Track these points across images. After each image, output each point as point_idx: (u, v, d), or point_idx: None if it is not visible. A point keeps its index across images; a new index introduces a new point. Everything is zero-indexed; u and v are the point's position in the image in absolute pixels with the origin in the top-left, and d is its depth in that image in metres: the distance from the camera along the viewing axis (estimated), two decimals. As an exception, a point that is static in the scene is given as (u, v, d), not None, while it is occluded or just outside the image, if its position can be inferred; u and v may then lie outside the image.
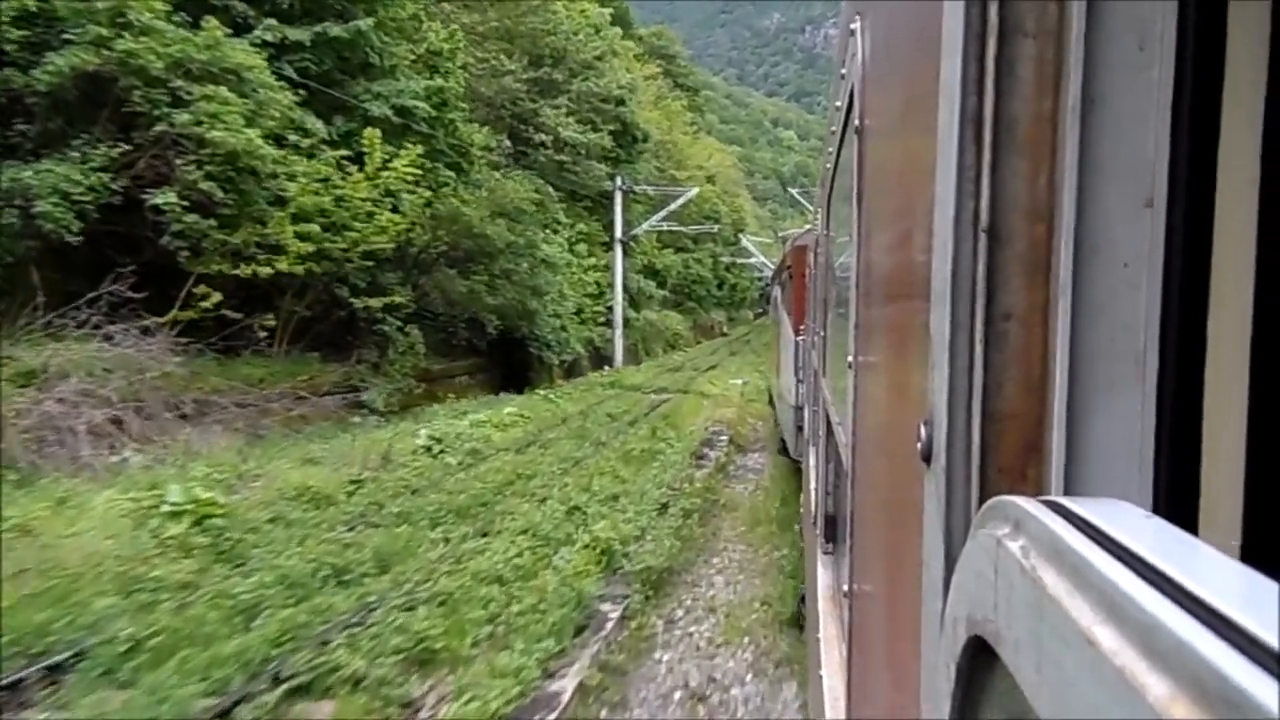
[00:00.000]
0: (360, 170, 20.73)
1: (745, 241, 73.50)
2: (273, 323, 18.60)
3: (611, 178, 41.76)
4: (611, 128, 43.87)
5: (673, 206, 43.39)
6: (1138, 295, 0.69)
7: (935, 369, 0.81)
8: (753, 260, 71.39)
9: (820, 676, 2.79)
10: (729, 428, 22.39)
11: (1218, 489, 0.72)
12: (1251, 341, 0.73)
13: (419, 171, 21.96)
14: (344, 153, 21.30)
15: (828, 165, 3.60)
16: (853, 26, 2.03)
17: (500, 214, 25.62)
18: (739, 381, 33.39)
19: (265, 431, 17.16)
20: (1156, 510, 0.64)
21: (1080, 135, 0.69)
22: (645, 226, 42.84)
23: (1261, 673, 0.29)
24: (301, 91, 20.60)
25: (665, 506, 12.81)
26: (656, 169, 60.58)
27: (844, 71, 2.33)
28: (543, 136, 38.09)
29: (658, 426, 20.33)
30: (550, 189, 37.59)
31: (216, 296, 17.25)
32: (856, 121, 1.94)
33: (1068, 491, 0.69)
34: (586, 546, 10.09)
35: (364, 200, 20.79)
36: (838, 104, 2.71)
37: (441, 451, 15.67)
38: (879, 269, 1.56)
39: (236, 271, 17.59)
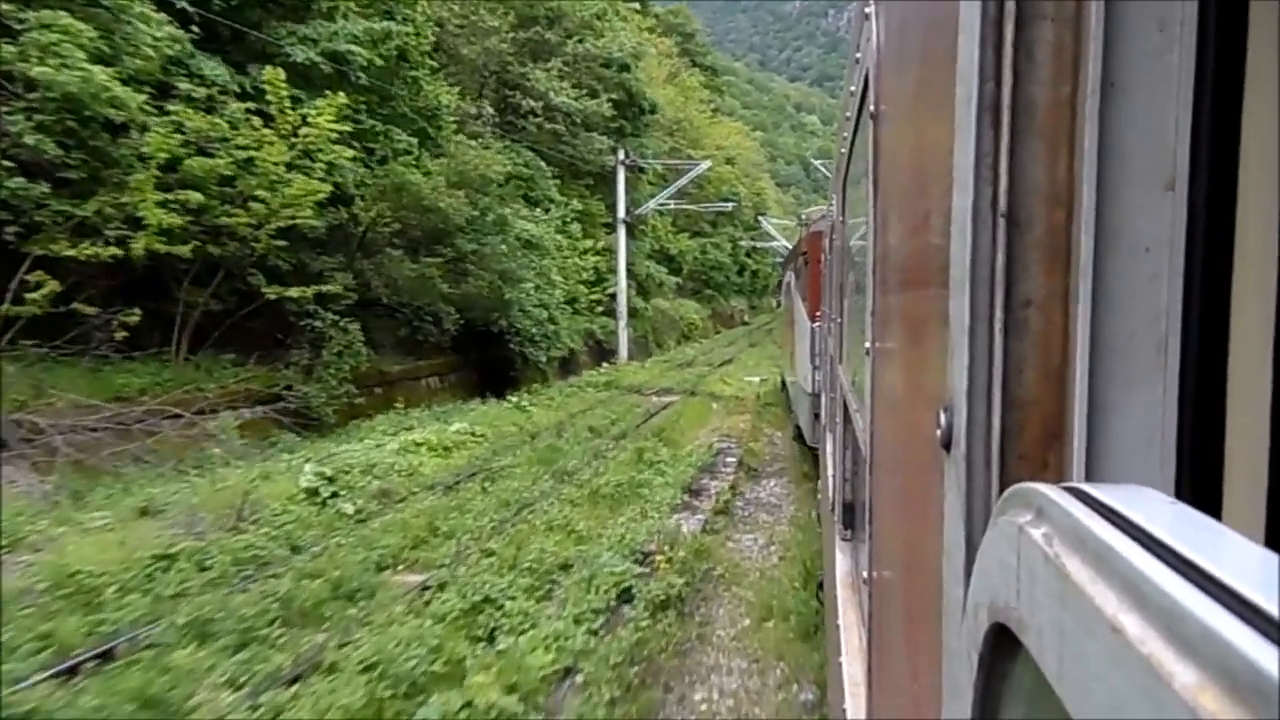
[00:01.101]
0: (269, 126, 16.41)
1: (766, 225, 68.77)
2: (136, 318, 14.28)
3: (614, 151, 37.27)
4: (614, 96, 39.31)
5: (682, 181, 38.77)
6: (1159, 280, 0.68)
7: (955, 356, 0.81)
8: (775, 244, 66.65)
9: (840, 664, 2.71)
10: (739, 443, 17.97)
11: (1241, 475, 0.71)
12: (1275, 325, 0.71)
13: (346, 128, 17.63)
14: (262, 107, 17.05)
15: (842, 150, 3.58)
16: (867, 11, 2.04)
17: (460, 184, 21.21)
18: (756, 379, 28.90)
19: (114, 464, 12.96)
20: (1179, 497, 0.62)
21: (1100, 120, 0.68)
22: (652, 204, 38.28)
23: None
24: (195, 29, 16.33)
25: (627, 594, 8.46)
26: (671, 149, 55.97)
27: (858, 56, 2.35)
28: (531, 103, 33.61)
29: (648, 446, 15.91)
30: (542, 163, 33.22)
31: (53, 284, 13.02)
32: (872, 107, 1.92)
33: (1090, 479, 0.68)
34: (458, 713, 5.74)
35: (277, 165, 16.50)
36: (852, 89, 2.71)
37: (334, 495, 11.39)
38: (896, 255, 1.55)
39: (73, 252, 13.29)
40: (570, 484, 13.18)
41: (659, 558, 9.39)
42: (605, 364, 33.06)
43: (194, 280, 16.93)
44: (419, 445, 14.55)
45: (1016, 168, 0.72)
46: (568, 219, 32.92)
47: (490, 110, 31.14)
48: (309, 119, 16.77)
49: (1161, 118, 0.67)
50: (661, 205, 40.10)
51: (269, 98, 16.21)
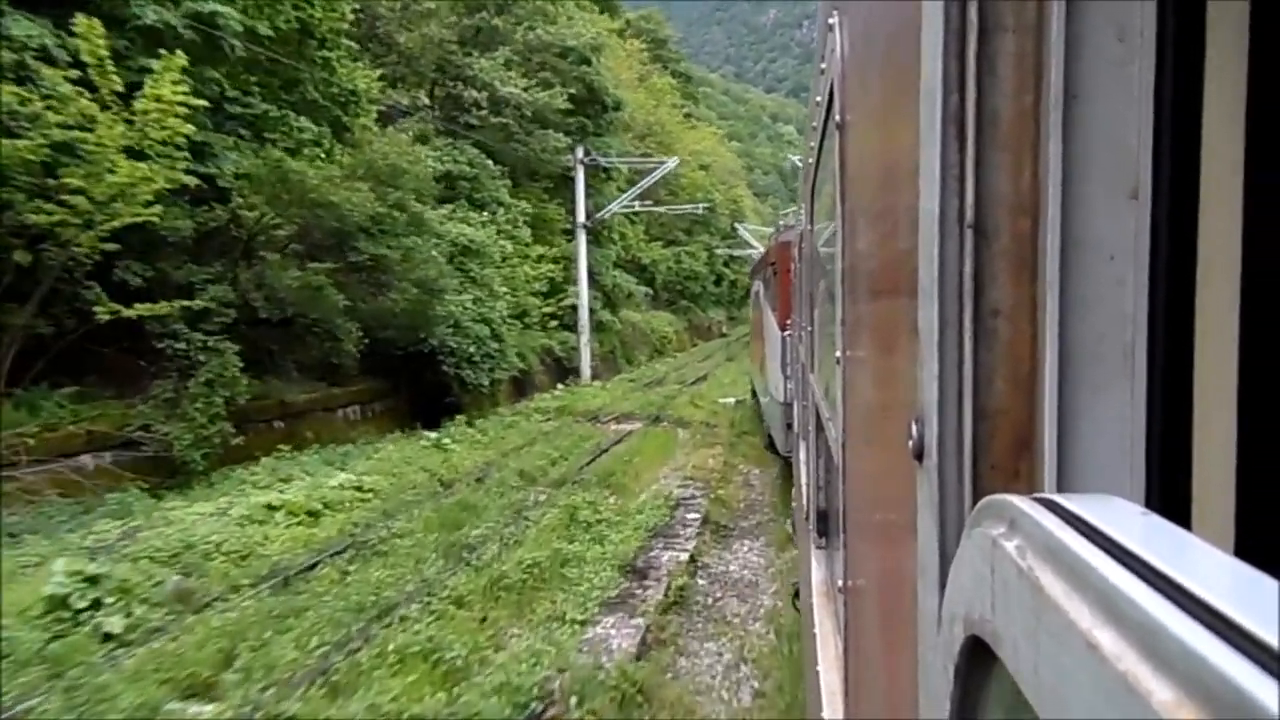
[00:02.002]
0: (91, 97, 12.76)
1: (743, 231, 65.48)
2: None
3: (572, 150, 33.79)
4: (573, 91, 35.79)
5: (647, 181, 35.26)
6: (1124, 288, 0.69)
7: (924, 366, 0.81)
8: (752, 252, 63.33)
9: (817, 672, 2.69)
10: (708, 487, 14.46)
11: (1210, 482, 0.72)
12: (1239, 331, 0.72)
13: (200, 102, 14.02)
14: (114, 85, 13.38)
15: (810, 160, 3.59)
16: (830, 22, 2.04)
17: (363, 177, 17.57)
18: (731, 400, 25.41)
19: None
20: (1149, 505, 0.63)
21: (1063, 130, 0.69)
22: (615, 206, 34.74)
23: (1264, 675, 0.30)
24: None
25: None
26: (642, 154, 52.58)
27: (823, 66, 2.35)
28: (475, 94, 30.02)
29: (584, 503, 12.33)
30: (489, 161, 29.67)
31: None
32: (837, 117, 1.93)
33: (1061, 487, 0.69)
34: None
35: (108, 148, 12.89)
36: (818, 99, 2.72)
37: (95, 606, 7.76)
38: (865, 265, 1.57)
39: None
40: (468, 566, 9.62)
41: (572, 693, 5.82)
42: (560, 385, 29.45)
43: (9, 295, 13.32)
44: (274, 509, 10.93)
45: (982, 178, 0.73)
46: (515, 221, 29.28)
47: (426, 101, 27.55)
48: (147, 89, 13.15)
49: (1123, 127, 0.68)
50: (626, 208, 36.60)
51: (84, 58, 12.55)
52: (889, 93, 1.20)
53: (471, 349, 22.29)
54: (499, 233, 27.86)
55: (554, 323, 31.54)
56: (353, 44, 22.91)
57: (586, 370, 32.69)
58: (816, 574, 3.48)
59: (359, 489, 12.46)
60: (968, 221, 0.73)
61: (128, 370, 16.03)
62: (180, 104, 13.34)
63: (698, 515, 12.49)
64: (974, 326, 0.73)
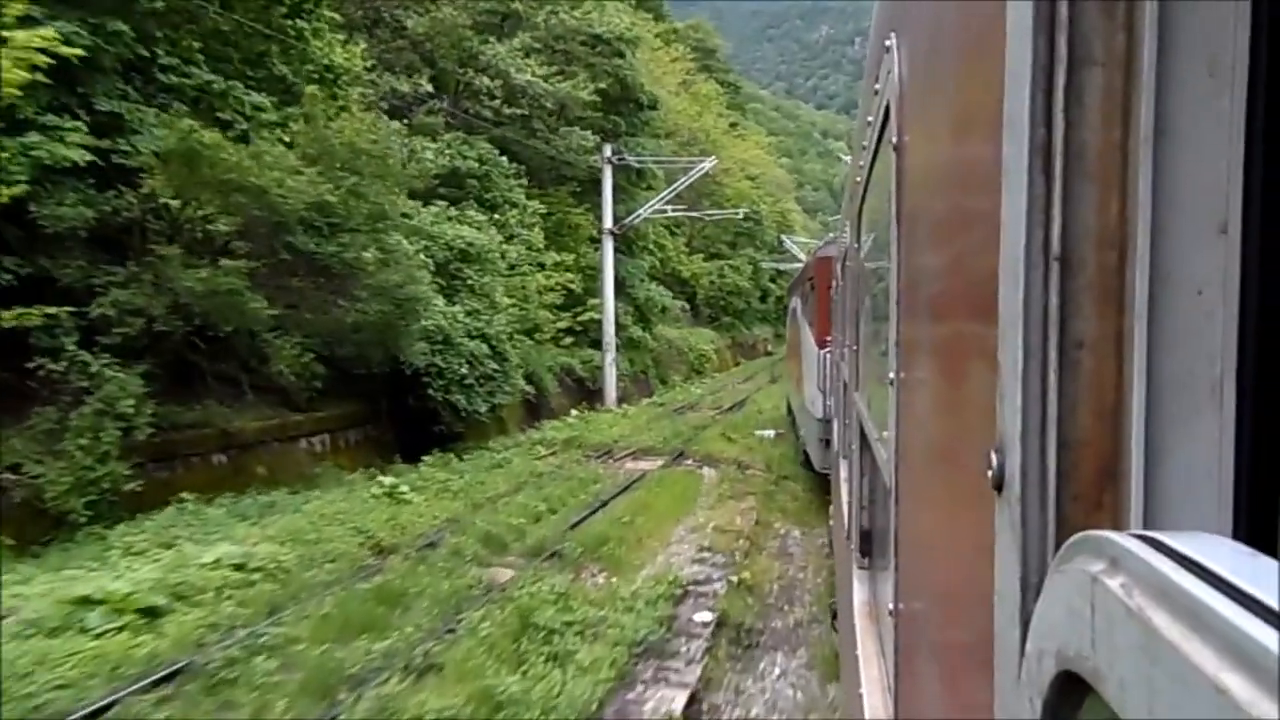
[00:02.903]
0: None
1: (790, 244, 61.80)
2: None
3: (599, 149, 30.43)
4: (603, 85, 32.48)
5: (685, 181, 31.72)
6: (1213, 322, 0.69)
7: (1005, 396, 0.81)
8: (799, 266, 59.54)
9: (860, 695, 2.65)
10: (730, 561, 10.83)
11: None
12: None
13: (73, 51, 10.81)
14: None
15: (857, 179, 3.56)
16: (888, 44, 2.02)
17: (316, 159, 14.23)
18: (770, 433, 21.67)
19: None
20: (1237, 541, 0.60)
21: (1153, 164, 0.69)
22: (645, 210, 31.19)
23: None
24: None
25: None
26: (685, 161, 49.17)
27: (877, 87, 2.34)
28: (487, 82, 26.76)
29: (549, 595, 8.74)
30: (501, 159, 26.33)
31: None
32: (894, 138, 1.92)
33: (1148, 521, 0.69)
34: None
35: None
36: (869, 119, 2.69)
37: None
38: (924, 288, 1.56)
39: None
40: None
41: None
42: (575, 411, 25.94)
43: None
44: (90, 604, 7.55)
45: (1069, 212, 0.73)
46: (526, 223, 25.83)
47: (429, 89, 24.34)
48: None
49: (1214, 161, 0.67)
50: (658, 212, 33.07)
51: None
52: (957, 118, 1.21)
53: (463, 369, 18.90)
54: (511, 238, 24.53)
55: (571, 339, 28.11)
56: (335, 15, 19.84)
57: (612, 392, 29.19)
58: (859, 594, 3.38)
59: (240, 567, 9.03)
60: (1054, 254, 0.73)
61: (22, 394, 12.99)
62: (41, 51, 10.15)
63: (711, 614, 8.87)
64: (1058, 358, 0.73)
